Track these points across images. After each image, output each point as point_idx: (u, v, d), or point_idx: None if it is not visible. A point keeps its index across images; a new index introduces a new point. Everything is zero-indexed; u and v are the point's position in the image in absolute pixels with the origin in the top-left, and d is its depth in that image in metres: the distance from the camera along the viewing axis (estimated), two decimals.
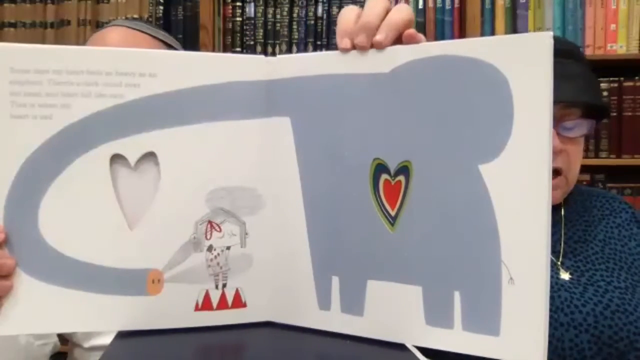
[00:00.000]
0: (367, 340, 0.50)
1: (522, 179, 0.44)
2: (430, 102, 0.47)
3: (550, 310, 0.64)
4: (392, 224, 0.49)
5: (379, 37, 0.48)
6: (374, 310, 0.50)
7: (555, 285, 0.81)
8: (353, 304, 0.51)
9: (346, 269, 0.51)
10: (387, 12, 0.50)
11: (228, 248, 0.53)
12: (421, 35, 0.50)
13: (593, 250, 0.87)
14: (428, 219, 0.48)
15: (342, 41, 0.50)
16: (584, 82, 0.83)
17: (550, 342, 0.73)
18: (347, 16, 0.51)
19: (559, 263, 0.86)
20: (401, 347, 0.49)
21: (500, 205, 0.45)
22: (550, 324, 0.65)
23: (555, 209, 0.87)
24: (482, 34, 1.58)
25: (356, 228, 0.50)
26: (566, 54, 0.83)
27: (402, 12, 0.50)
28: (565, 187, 0.87)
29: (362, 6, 0.52)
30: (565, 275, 0.84)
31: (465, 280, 0.46)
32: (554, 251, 0.84)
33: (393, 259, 0.49)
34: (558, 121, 0.82)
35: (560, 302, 0.80)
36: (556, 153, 0.81)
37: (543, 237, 0.44)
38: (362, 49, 0.49)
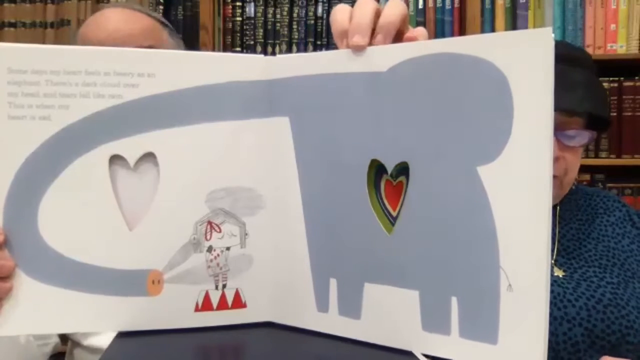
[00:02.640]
0: (367, 342, 0.50)
1: (522, 181, 0.42)
2: (427, 101, 0.46)
3: None
4: (393, 225, 0.48)
5: (377, 38, 0.48)
6: (371, 313, 0.49)
7: None
8: (350, 307, 0.50)
9: (344, 272, 0.51)
10: (377, 10, 0.50)
11: (228, 249, 0.53)
12: (424, 34, 0.50)
13: (586, 248, 0.88)
14: (425, 222, 0.47)
15: (342, 42, 0.50)
16: (588, 91, 0.82)
17: None
18: (340, 16, 0.51)
19: (553, 261, 0.86)
20: (402, 349, 0.48)
21: (499, 209, 0.43)
22: None
23: None
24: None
25: (353, 230, 0.50)
26: (572, 60, 0.81)
27: (397, 8, 0.49)
28: (559, 190, 0.87)
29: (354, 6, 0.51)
30: (559, 273, 0.85)
31: (462, 285, 0.45)
32: None
33: (390, 262, 0.48)
34: (559, 129, 0.81)
35: (554, 296, 0.80)
36: (554, 160, 0.81)
37: (543, 242, 0.42)
38: (358, 49, 0.48)
